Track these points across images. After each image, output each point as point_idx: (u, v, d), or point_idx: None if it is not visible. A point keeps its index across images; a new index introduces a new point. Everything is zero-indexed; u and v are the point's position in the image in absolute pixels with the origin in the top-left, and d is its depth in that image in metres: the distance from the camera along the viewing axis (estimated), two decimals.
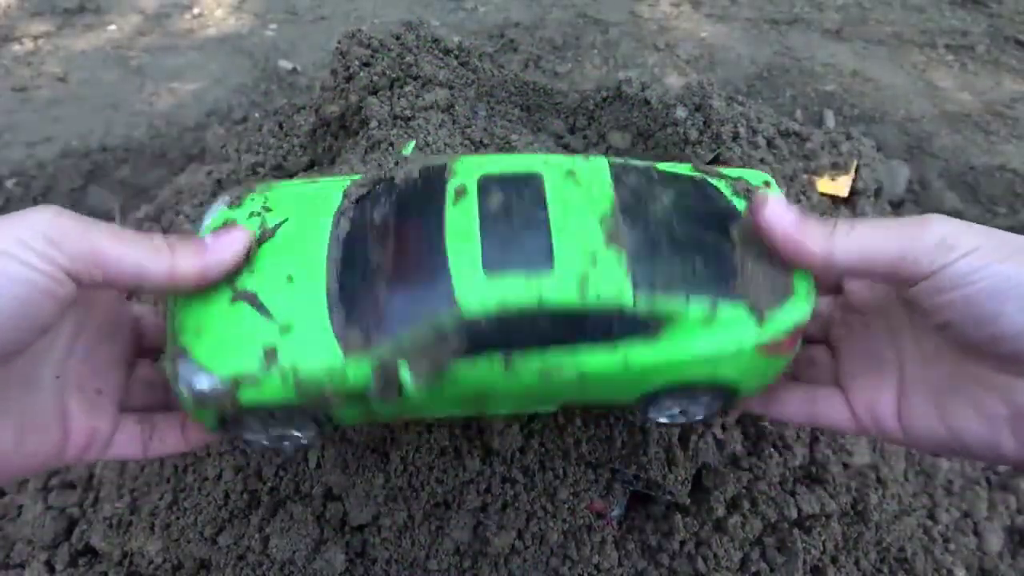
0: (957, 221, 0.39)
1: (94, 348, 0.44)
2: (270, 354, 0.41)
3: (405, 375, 0.41)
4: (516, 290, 0.40)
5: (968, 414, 0.41)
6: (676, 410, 0.49)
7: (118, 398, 0.45)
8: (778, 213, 0.41)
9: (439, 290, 0.40)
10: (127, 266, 0.38)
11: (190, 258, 0.40)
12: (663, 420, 0.50)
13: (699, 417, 0.50)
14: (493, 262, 0.41)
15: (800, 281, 0.44)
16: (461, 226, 0.42)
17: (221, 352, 0.41)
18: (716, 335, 0.42)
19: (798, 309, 0.43)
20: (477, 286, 0.40)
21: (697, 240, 0.43)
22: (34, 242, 0.34)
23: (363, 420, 0.46)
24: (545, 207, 0.43)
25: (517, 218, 0.42)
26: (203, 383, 0.41)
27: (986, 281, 0.37)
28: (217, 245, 0.42)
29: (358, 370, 0.41)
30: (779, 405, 0.49)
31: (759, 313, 0.42)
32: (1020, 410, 0.39)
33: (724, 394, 0.46)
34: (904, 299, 0.44)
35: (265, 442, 0.46)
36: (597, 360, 0.42)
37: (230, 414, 0.42)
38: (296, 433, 0.46)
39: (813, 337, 0.50)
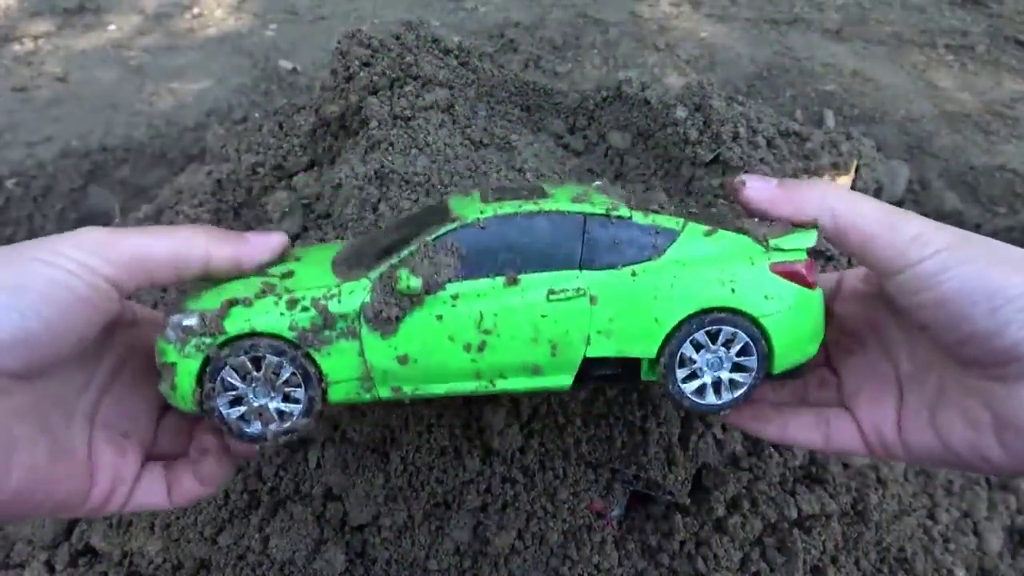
0: (933, 222, 0.40)
1: (128, 392, 0.44)
2: (267, 288, 0.42)
3: (407, 282, 0.41)
4: (513, 207, 0.43)
5: (956, 423, 0.41)
6: (707, 375, 0.44)
7: (145, 444, 0.46)
8: (759, 186, 0.43)
9: (439, 218, 0.44)
10: (166, 255, 0.39)
11: (227, 247, 0.42)
12: (693, 396, 0.44)
13: (738, 393, 0.44)
14: (492, 194, 0.45)
15: (799, 228, 0.44)
16: (463, 200, 0.46)
17: (217, 296, 0.42)
18: (722, 248, 0.43)
19: (803, 237, 0.43)
20: (475, 205, 0.43)
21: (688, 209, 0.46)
22: (74, 252, 0.36)
23: (355, 394, 0.43)
24: (544, 194, 0.45)
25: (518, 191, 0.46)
26: (190, 319, 0.41)
27: (954, 281, 0.37)
28: (257, 239, 0.44)
29: (353, 291, 0.42)
30: (794, 431, 0.48)
31: (762, 238, 0.43)
32: (1001, 416, 0.39)
33: (757, 344, 0.43)
34: (893, 311, 0.45)
35: (248, 424, 0.42)
36: (606, 280, 0.42)
37: (214, 357, 0.41)
38: (282, 407, 0.42)
39: (816, 363, 0.50)
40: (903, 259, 0.39)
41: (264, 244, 0.44)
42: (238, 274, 0.43)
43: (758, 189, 0.43)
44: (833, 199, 0.41)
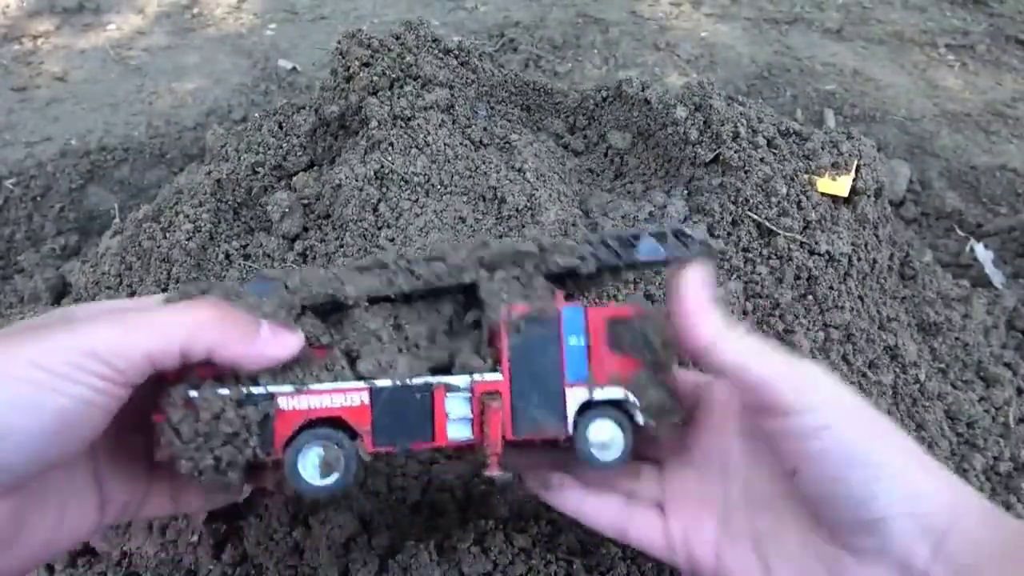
0: (834, 377, 0.39)
1: (120, 414, 0.43)
2: None
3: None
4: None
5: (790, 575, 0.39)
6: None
7: (146, 456, 0.43)
8: (695, 284, 0.41)
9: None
10: (176, 352, 0.36)
11: (233, 346, 0.38)
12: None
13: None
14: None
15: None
16: None
17: None
18: None
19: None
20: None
21: None
22: (87, 361, 0.34)
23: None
24: None
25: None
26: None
27: (842, 445, 0.36)
28: (269, 339, 0.39)
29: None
30: (595, 509, 0.45)
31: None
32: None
33: None
34: (744, 439, 0.43)
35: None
36: None
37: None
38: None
39: (644, 455, 0.47)
40: (793, 403, 0.37)
41: (275, 348, 0.39)
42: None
43: (693, 288, 0.41)
44: (726, 347, 0.39)
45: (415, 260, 0.43)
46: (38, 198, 1.31)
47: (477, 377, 0.42)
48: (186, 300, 0.40)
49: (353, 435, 0.41)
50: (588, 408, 0.43)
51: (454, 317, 0.46)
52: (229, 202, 0.86)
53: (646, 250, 0.44)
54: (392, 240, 0.73)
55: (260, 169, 0.87)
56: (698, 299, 0.40)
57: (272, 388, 0.40)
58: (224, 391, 0.39)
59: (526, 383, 0.42)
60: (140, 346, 0.35)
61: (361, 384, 0.41)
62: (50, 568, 0.69)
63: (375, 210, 0.76)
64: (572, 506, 0.46)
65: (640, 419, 0.43)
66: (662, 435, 0.44)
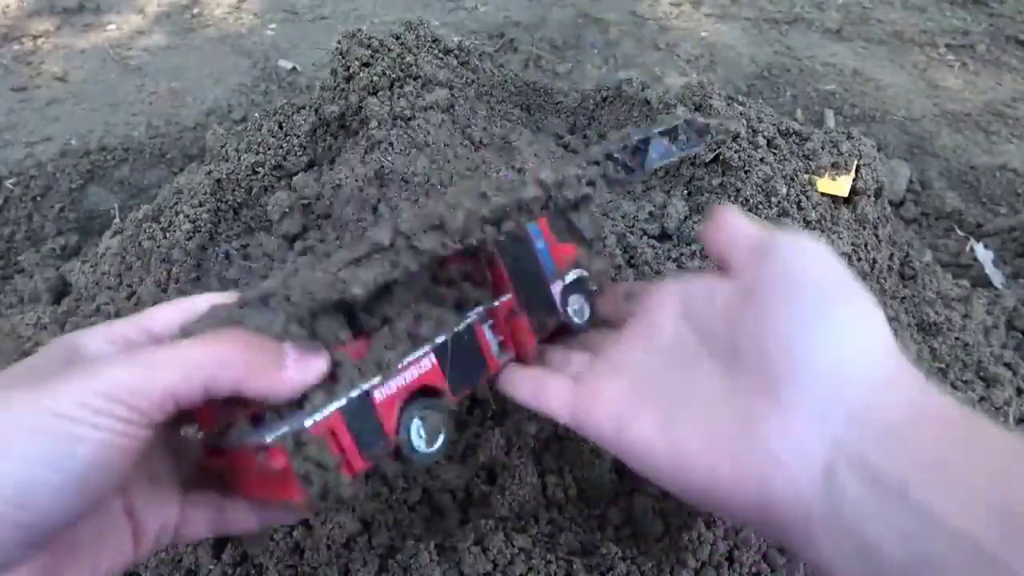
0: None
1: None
2: None
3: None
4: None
5: (693, 428, 0.37)
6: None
7: (178, 479, 0.42)
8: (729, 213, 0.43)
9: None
10: (199, 390, 0.35)
11: (260, 380, 0.36)
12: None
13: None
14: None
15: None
16: None
17: None
18: None
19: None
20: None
21: None
22: (109, 404, 0.32)
23: None
24: None
25: None
26: None
27: (800, 285, 0.37)
28: (296, 367, 0.37)
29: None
30: (517, 380, 0.47)
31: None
32: (752, 432, 0.34)
33: None
34: (679, 320, 0.43)
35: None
36: None
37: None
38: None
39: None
40: (766, 253, 0.40)
41: (303, 374, 0.37)
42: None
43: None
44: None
45: (414, 233, 0.40)
46: (38, 198, 1.31)
47: (496, 302, 0.47)
48: (207, 332, 0.38)
49: (437, 395, 0.43)
50: (566, 292, 0.50)
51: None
52: (229, 202, 0.86)
53: (659, 154, 0.44)
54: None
55: (260, 169, 0.88)
56: (735, 220, 0.42)
57: (363, 385, 0.39)
58: (328, 408, 0.38)
59: (527, 291, 0.48)
60: (161, 386, 0.34)
61: (425, 348, 0.43)
62: None
63: (375, 210, 0.77)
64: (508, 387, 0.48)
65: (592, 287, 0.51)
66: (602, 292, 0.52)
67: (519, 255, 0.48)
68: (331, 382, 0.39)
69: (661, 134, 0.43)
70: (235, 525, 0.42)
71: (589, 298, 0.51)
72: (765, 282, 0.38)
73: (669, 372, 0.41)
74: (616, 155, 0.43)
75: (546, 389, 0.45)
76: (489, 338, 0.46)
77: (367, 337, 0.42)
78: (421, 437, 0.41)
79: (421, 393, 0.42)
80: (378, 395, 0.40)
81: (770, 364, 0.35)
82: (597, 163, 0.43)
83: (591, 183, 0.43)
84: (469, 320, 0.45)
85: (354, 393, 0.39)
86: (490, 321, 0.46)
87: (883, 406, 0.33)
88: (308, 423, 0.37)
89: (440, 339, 0.43)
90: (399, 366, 0.41)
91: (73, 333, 0.40)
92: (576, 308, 0.50)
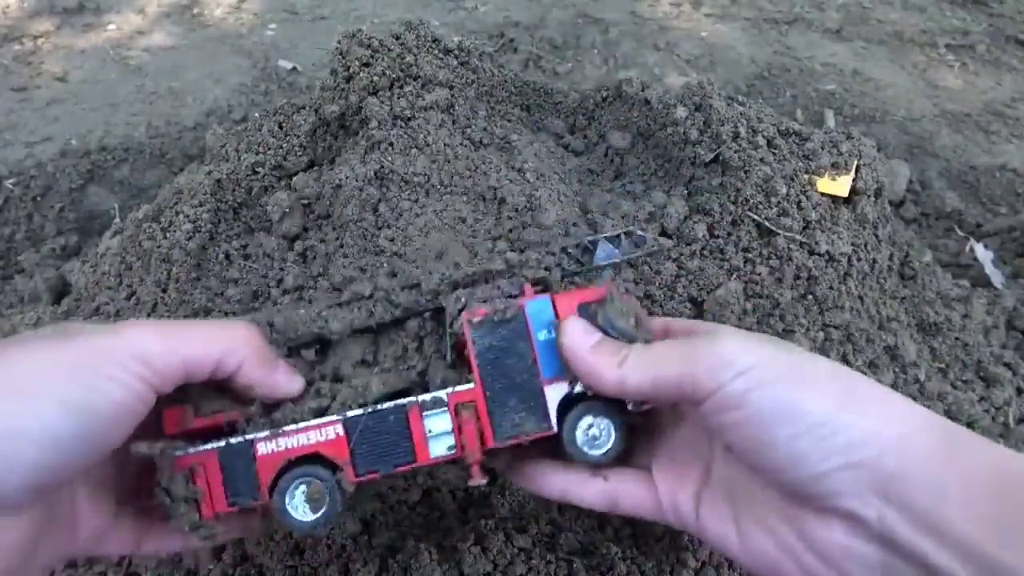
0: (744, 336, 0.38)
1: None
2: None
3: None
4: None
5: (762, 536, 0.38)
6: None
7: (116, 491, 0.43)
8: (575, 339, 0.41)
9: None
10: (209, 367, 0.38)
11: (258, 371, 0.40)
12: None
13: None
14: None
15: None
16: None
17: None
18: None
19: None
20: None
21: None
22: (133, 364, 0.34)
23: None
24: None
25: None
26: None
27: (758, 404, 0.35)
28: (284, 376, 0.42)
29: None
30: (579, 490, 0.44)
31: None
32: (811, 543, 0.35)
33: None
34: None
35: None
36: None
37: None
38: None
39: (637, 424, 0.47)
40: (707, 387, 0.36)
41: (289, 384, 0.42)
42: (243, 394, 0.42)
43: (575, 341, 0.41)
44: (631, 381, 0.39)
45: (392, 290, 0.46)
46: (38, 198, 1.31)
47: (450, 390, 0.42)
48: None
49: (334, 468, 0.41)
50: (575, 402, 0.42)
51: (421, 331, 0.47)
52: (229, 202, 0.86)
53: (603, 254, 0.48)
54: (392, 240, 0.73)
55: (260, 169, 0.87)
56: (582, 353, 0.40)
57: (249, 436, 0.41)
58: (209, 445, 0.40)
59: (500, 387, 0.42)
60: (183, 353, 0.36)
61: (334, 417, 0.41)
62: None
63: (375, 210, 0.76)
64: (557, 492, 0.45)
65: (630, 407, 0.43)
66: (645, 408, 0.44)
67: (502, 342, 0.42)
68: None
69: (607, 239, 0.48)
70: (160, 547, 0.43)
71: (623, 426, 0.42)
72: (727, 430, 0.37)
73: (731, 472, 0.41)
74: (570, 251, 0.48)
75: (622, 492, 0.43)
76: (431, 427, 0.41)
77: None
78: (298, 503, 0.40)
79: (313, 460, 0.41)
80: (262, 448, 0.40)
81: (792, 491, 0.36)
82: (554, 254, 0.48)
83: (547, 268, 0.47)
84: (399, 403, 0.42)
85: (234, 440, 0.40)
86: (443, 410, 0.42)
87: (909, 475, 0.33)
88: (179, 452, 0.40)
89: (352, 414, 0.41)
90: (291, 428, 0.41)
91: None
92: (590, 434, 0.42)
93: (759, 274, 0.76)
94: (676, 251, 0.74)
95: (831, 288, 0.78)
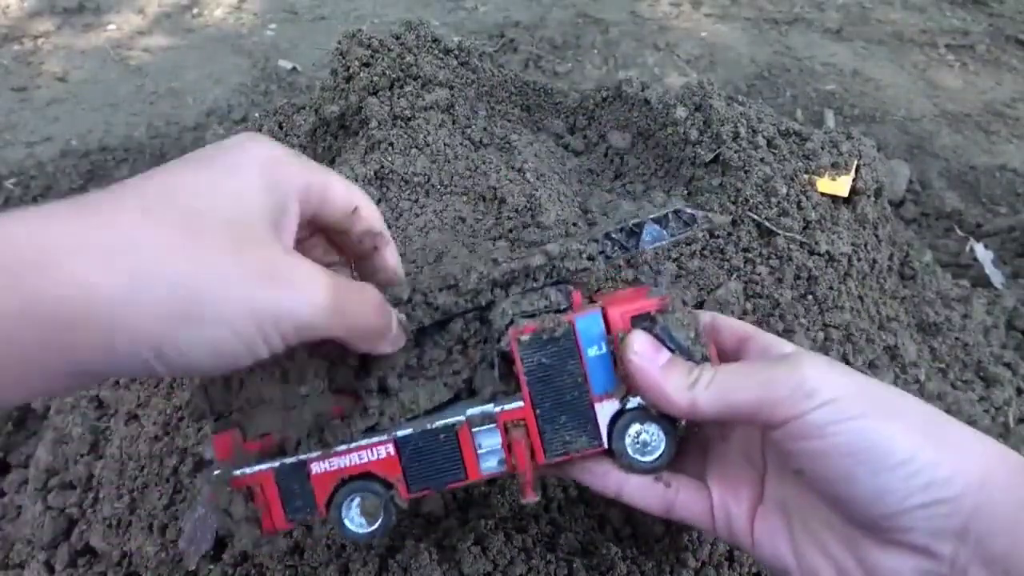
0: (827, 364, 0.37)
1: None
2: None
3: None
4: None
5: (819, 558, 0.38)
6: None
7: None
8: (644, 357, 0.40)
9: None
10: (342, 204, 0.41)
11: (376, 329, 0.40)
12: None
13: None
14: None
15: None
16: None
17: None
18: None
19: None
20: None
21: None
22: (270, 329, 0.34)
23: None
24: None
25: None
26: None
27: (841, 436, 0.35)
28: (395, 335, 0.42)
29: None
30: (639, 490, 0.44)
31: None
32: (871, 571, 0.36)
33: None
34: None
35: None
36: None
37: None
38: None
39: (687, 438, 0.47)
40: (785, 414, 0.36)
41: (396, 342, 0.42)
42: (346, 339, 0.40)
43: (642, 361, 0.40)
44: (703, 405, 0.38)
45: (430, 291, 0.44)
46: (38, 198, 1.31)
47: (499, 408, 0.42)
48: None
49: (388, 485, 0.42)
50: (622, 414, 0.42)
51: (464, 333, 0.46)
52: None
53: (650, 237, 0.45)
54: (392, 240, 0.73)
55: None
56: (651, 373, 0.39)
57: (302, 456, 0.41)
58: (264, 465, 0.41)
59: (550, 405, 0.41)
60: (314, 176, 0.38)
61: (384, 437, 0.42)
62: (50, 568, 0.69)
63: None
64: (613, 489, 0.44)
65: (682, 423, 0.42)
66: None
67: (551, 359, 0.41)
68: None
69: (654, 220, 0.45)
70: None
71: (674, 434, 0.42)
72: (804, 456, 0.36)
73: (786, 489, 0.41)
74: (614, 235, 0.45)
75: (680, 498, 0.43)
76: (482, 443, 0.42)
77: (354, 397, 0.43)
78: (354, 515, 0.42)
79: (366, 477, 0.42)
80: (315, 468, 0.41)
81: (875, 515, 0.35)
82: (597, 241, 0.44)
83: (591, 258, 0.44)
84: (449, 422, 0.42)
85: (288, 460, 0.41)
86: (491, 425, 0.42)
87: (987, 516, 0.33)
88: (237, 473, 0.41)
89: (402, 433, 0.41)
90: (345, 449, 0.41)
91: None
92: (640, 442, 0.42)
93: (759, 274, 0.76)
94: (676, 251, 0.74)
95: (831, 288, 0.78)
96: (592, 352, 0.41)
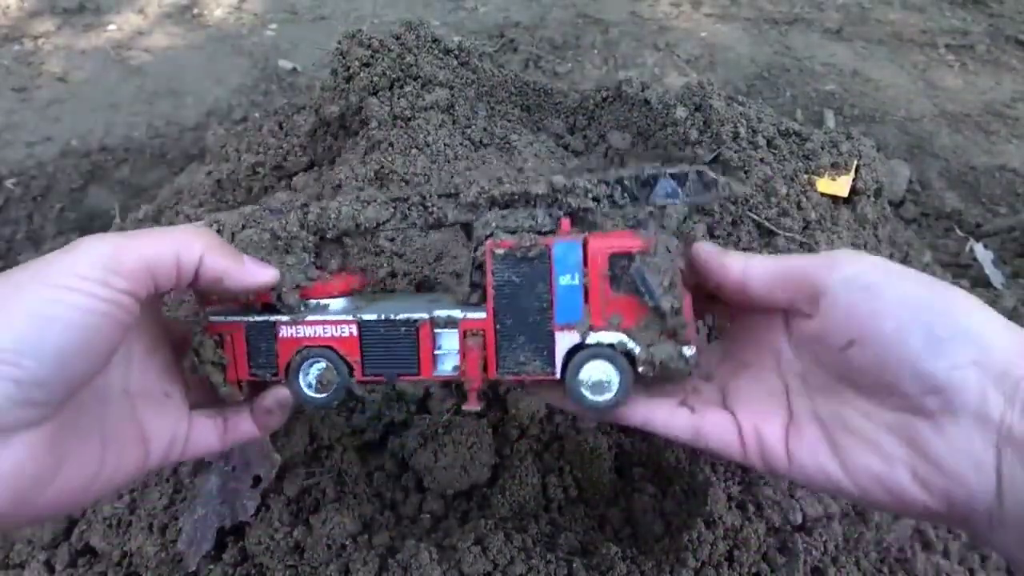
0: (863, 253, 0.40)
1: (149, 356, 0.44)
2: None
3: None
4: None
5: (864, 453, 0.38)
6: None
7: (185, 398, 0.45)
8: (710, 249, 0.43)
9: None
10: (170, 260, 0.39)
11: (221, 260, 0.41)
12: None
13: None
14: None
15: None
16: None
17: None
18: None
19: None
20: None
21: None
22: (92, 272, 0.36)
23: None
24: None
25: None
26: None
27: (896, 291, 0.36)
28: (252, 265, 0.43)
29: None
30: (662, 418, 0.44)
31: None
32: (925, 453, 0.35)
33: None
34: (790, 337, 0.43)
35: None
36: None
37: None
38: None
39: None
40: (840, 272, 0.37)
41: (256, 274, 0.43)
42: (220, 292, 0.44)
43: (706, 247, 0.44)
44: (754, 271, 0.42)
45: (429, 195, 0.45)
46: (38, 198, 1.31)
47: (463, 314, 0.42)
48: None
49: (348, 365, 0.44)
50: (580, 348, 0.41)
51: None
52: (229, 202, 0.86)
53: (663, 192, 0.44)
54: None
55: (260, 169, 0.88)
56: (715, 254, 0.43)
57: (272, 317, 0.44)
58: (237, 317, 0.44)
59: (512, 323, 0.42)
60: (136, 255, 0.37)
61: (350, 317, 0.44)
62: (50, 568, 0.69)
63: None
64: (640, 418, 0.44)
65: (641, 370, 0.40)
66: (671, 381, 0.44)
67: (522, 278, 0.41)
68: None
69: (671, 175, 0.43)
70: (239, 434, 0.46)
71: (629, 374, 0.41)
72: (857, 318, 0.37)
73: (818, 399, 0.41)
74: (626, 182, 0.44)
75: (707, 426, 0.43)
76: (441, 346, 0.43)
77: (354, 273, 0.47)
78: (311, 381, 0.44)
79: (328, 349, 0.44)
80: (283, 331, 0.44)
81: (914, 389, 0.35)
82: (608, 184, 0.44)
83: (596, 199, 0.43)
84: (412, 317, 0.43)
85: (259, 318, 0.44)
86: (454, 331, 0.42)
87: None
88: (213, 319, 0.44)
89: (369, 317, 0.43)
90: (311, 319, 0.44)
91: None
92: (593, 381, 0.41)
93: None
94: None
95: None
96: (564, 280, 0.41)
